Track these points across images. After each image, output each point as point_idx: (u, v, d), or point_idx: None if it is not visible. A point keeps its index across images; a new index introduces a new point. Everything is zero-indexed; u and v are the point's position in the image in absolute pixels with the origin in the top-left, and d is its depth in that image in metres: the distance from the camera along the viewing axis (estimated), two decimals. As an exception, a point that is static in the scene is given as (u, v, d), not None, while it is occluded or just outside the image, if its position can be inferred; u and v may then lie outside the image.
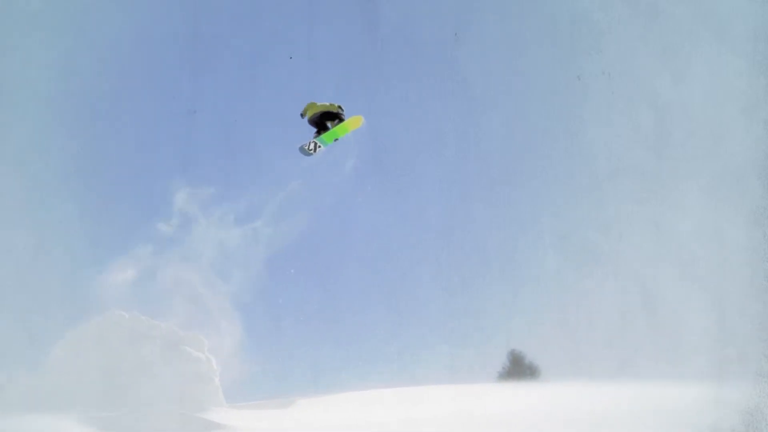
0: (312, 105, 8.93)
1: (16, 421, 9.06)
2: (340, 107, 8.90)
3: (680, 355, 8.78)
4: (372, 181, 9.89)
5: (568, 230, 9.43)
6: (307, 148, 8.82)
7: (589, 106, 9.58)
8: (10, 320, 9.42)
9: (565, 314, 9.20)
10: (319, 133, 8.76)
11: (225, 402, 9.81)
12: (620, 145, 9.45)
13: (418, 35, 10.02)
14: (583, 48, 9.64)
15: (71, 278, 9.74)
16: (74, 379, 9.52)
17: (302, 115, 8.87)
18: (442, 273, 9.53)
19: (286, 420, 9.48)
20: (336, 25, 10.09)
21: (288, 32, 10.14)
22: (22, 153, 9.82)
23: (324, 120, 8.79)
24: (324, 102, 8.85)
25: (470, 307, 9.40)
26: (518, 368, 9.30)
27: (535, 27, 9.81)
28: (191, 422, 9.43)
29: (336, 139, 8.80)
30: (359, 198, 9.91)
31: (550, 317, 9.26)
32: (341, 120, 8.76)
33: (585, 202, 9.46)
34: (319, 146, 8.80)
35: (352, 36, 10.03)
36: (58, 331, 9.69)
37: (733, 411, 8.39)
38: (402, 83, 9.97)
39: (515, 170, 9.71)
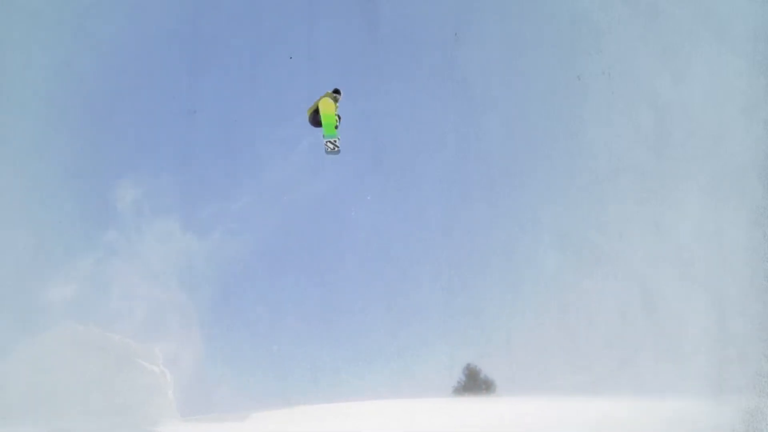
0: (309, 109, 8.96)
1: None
2: (335, 91, 8.85)
3: (680, 355, 8.78)
4: (372, 181, 9.88)
5: (568, 230, 9.43)
6: (331, 149, 8.78)
7: (589, 106, 9.59)
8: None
9: (565, 314, 9.20)
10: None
11: (179, 415, 9.50)
12: (620, 145, 9.45)
13: (418, 35, 10.02)
14: (583, 48, 9.64)
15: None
16: (24, 393, 9.29)
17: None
18: (442, 273, 9.53)
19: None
20: (336, 25, 10.09)
21: (288, 32, 10.13)
22: (22, 153, 9.82)
23: (317, 117, 8.79)
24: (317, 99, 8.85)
25: (470, 307, 9.40)
26: (473, 383, 9.22)
27: (535, 27, 9.80)
28: (142, 436, 9.23)
29: (336, 127, 8.74)
30: (358, 198, 9.89)
31: (550, 317, 9.25)
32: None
33: (585, 202, 9.46)
34: (335, 141, 8.74)
35: (352, 36, 10.04)
36: (9, 343, 9.43)
37: (733, 411, 8.39)
38: (402, 83, 9.96)
39: (515, 170, 9.70)
